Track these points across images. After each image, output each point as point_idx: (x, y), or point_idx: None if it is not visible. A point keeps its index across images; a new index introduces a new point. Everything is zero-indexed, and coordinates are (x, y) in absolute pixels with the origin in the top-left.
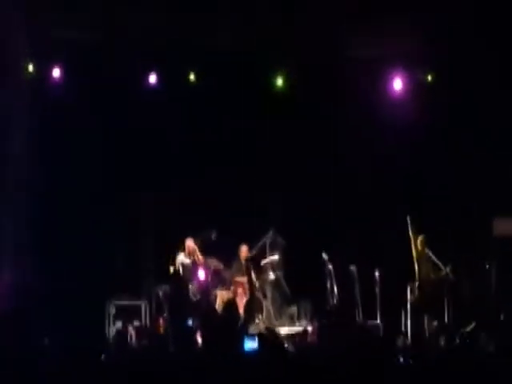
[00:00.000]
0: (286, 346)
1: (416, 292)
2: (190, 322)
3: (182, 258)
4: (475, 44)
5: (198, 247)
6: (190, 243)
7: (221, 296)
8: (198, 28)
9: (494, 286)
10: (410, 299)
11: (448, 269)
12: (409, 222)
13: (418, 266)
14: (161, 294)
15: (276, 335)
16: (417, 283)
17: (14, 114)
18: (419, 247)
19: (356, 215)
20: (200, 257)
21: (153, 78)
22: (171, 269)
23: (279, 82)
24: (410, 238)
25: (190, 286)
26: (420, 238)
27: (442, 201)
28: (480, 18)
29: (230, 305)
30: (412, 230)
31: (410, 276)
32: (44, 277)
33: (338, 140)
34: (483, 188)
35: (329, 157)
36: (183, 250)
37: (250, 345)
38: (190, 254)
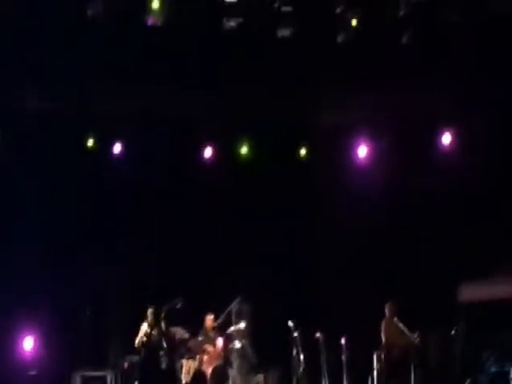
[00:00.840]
0: None
1: (383, 359)
2: None
3: (145, 328)
4: None
5: (164, 316)
6: (152, 312)
7: (187, 365)
8: None
9: (460, 352)
10: (377, 366)
11: (415, 335)
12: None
13: (385, 333)
14: (126, 364)
15: None
16: (384, 350)
17: None
18: (387, 314)
19: (321, 283)
20: (165, 326)
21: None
22: (136, 341)
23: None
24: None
25: (160, 354)
26: (388, 305)
27: (409, 267)
28: None
29: (198, 374)
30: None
31: (377, 343)
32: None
33: (305, 208)
34: (450, 254)
35: (298, 225)
36: (149, 318)
37: None
38: (153, 324)
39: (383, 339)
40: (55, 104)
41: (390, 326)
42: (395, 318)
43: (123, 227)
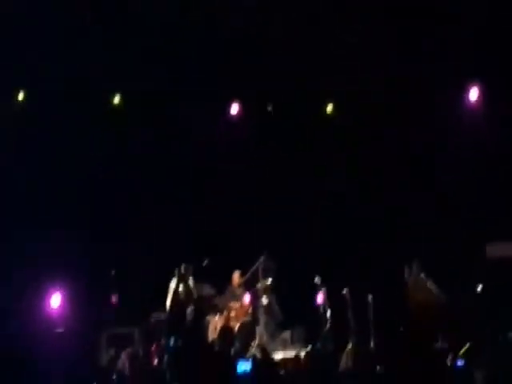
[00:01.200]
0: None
1: (409, 316)
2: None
3: (173, 285)
4: None
5: (191, 274)
6: (180, 270)
7: (213, 322)
8: None
9: (487, 308)
10: (404, 323)
11: (442, 292)
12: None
13: (414, 289)
14: (153, 321)
15: (269, 357)
16: (410, 307)
17: None
18: (414, 271)
19: (350, 239)
20: (192, 283)
21: None
22: (168, 301)
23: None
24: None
25: (187, 311)
26: (415, 263)
27: (437, 226)
28: None
29: (225, 331)
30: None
31: (403, 300)
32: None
33: (333, 165)
34: (478, 212)
35: (323, 181)
36: (177, 276)
37: (244, 367)
38: (181, 281)
39: (410, 295)
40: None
41: (417, 284)
42: (423, 276)
43: (148, 187)
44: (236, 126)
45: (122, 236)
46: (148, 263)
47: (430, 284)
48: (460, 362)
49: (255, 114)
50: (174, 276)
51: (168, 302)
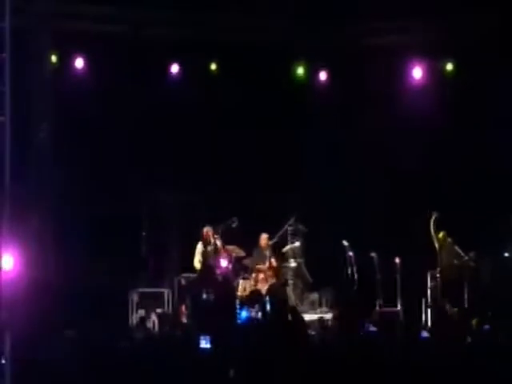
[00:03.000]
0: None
1: (437, 279)
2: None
3: (200, 247)
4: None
5: (220, 235)
6: (207, 232)
7: (243, 283)
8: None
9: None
10: (431, 286)
11: (470, 256)
12: (434, 217)
13: (440, 254)
14: (183, 281)
15: (300, 317)
16: (438, 270)
17: (37, 102)
18: (441, 237)
19: (376, 203)
20: (221, 245)
21: (175, 68)
22: (195, 261)
23: (300, 71)
24: (431, 230)
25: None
26: (442, 232)
27: (465, 192)
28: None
29: (254, 292)
30: (435, 223)
31: (431, 263)
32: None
33: (359, 129)
34: (505, 179)
35: (350, 147)
36: (203, 239)
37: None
38: (208, 243)
39: (438, 259)
40: None
41: (445, 247)
42: (450, 240)
43: (174, 150)
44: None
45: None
46: (178, 224)
47: (455, 247)
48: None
49: None
50: (201, 237)
51: (196, 263)
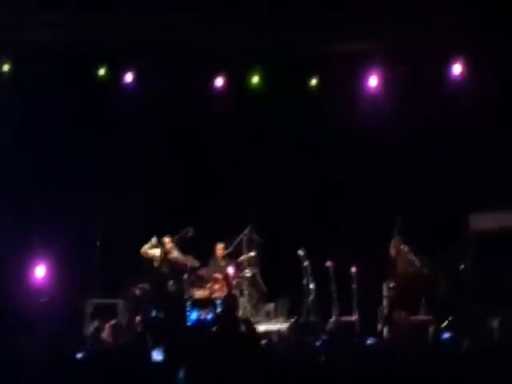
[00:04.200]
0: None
1: (393, 288)
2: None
3: (157, 252)
4: None
5: (175, 245)
6: (168, 241)
7: (198, 293)
8: None
9: (470, 282)
10: (387, 296)
11: (424, 265)
12: (398, 222)
13: (396, 262)
14: (137, 292)
15: (253, 328)
16: (394, 278)
17: None
18: (397, 244)
19: (332, 212)
20: (177, 255)
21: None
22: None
23: (255, 79)
24: (393, 236)
25: (170, 282)
26: (398, 240)
27: (419, 198)
28: None
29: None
30: (398, 228)
31: (387, 272)
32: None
33: (316, 136)
34: (460, 184)
35: (307, 154)
36: (157, 246)
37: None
38: (167, 252)
39: (394, 268)
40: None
41: (401, 257)
42: (406, 249)
43: (134, 160)
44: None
45: (107, 205)
46: (133, 234)
47: (411, 255)
48: (446, 335)
49: None
50: (152, 245)
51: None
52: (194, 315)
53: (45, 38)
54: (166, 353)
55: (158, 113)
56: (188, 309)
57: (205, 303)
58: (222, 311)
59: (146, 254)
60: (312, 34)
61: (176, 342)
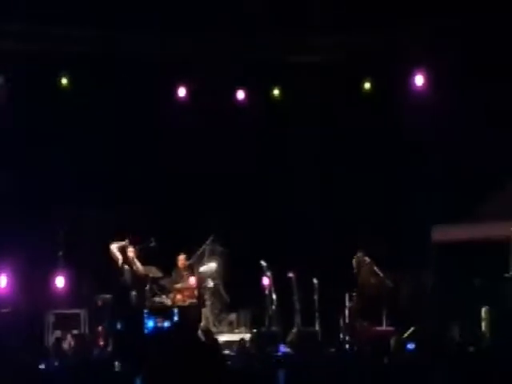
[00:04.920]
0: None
1: (355, 298)
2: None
3: (115, 246)
4: None
5: (137, 255)
6: (129, 250)
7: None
8: None
9: (431, 292)
10: (349, 306)
11: (387, 276)
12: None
13: (358, 273)
14: (100, 302)
15: (214, 338)
16: (356, 289)
17: None
18: (359, 255)
19: (293, 223)
20: (139, 265)
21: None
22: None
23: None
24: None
25: (132, 292)
26: (360, 252)
27: (382, 210)
28: None
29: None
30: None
31: (349, 283)
32: None
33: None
34: (422, 196)
35: (267, 164)
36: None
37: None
38: (129, 263)
39: (356, 278)
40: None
41: (363, 267)
42: (368, 259)
43: (97, 168)
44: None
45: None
46: (96, 245)
47: (374, 267)
48: (410, 346)
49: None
50: (119, 246)
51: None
52: (150, 323)
53: None
54: (124, 361)
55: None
56: (146, 317)
57: (162, 311)
58: (179, 319)
59: (112, 253)
60: (275, 45)
61: (133, 351)
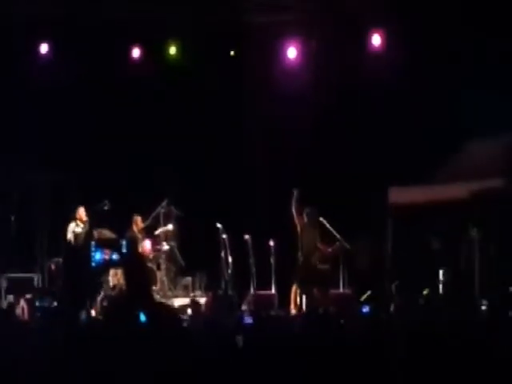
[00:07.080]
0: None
1: (300, 263)
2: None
3: (73, 226)
4: None
5: (91, 217)
6: (82, 212)
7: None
8: None
9: (390, 255)
10: (295, 270)
11: (343, 239)
12: (295, 194)
13: (302, 238)
14: (53, 266)
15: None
16: (299, 254)
17: None
18: (305, 219)
19: (250, 184)
20: (91, 227)
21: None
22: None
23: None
24: (292, 210)
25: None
26: (306, 210)
27: (338, 171)
28: None
29: None
30: (296, 201)
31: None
32: None
33: (231, 109)
34: (379, 158)
35: (226, 127)
36: (75, 219)
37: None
38: (83, 223)
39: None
40: None
41: (307, 230)
42: (322, 220)
43: (50, 129)
44: None
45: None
46: (48, 207)
47: (330, 228)
48: (365, 309)
49: None
50: (71, 219)
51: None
52: (98, 255)
53: None
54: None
55: (77, 84)
56: (92, 249)
57: (109, 243)
58: (126, 251)
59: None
60: (231, 5)
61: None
